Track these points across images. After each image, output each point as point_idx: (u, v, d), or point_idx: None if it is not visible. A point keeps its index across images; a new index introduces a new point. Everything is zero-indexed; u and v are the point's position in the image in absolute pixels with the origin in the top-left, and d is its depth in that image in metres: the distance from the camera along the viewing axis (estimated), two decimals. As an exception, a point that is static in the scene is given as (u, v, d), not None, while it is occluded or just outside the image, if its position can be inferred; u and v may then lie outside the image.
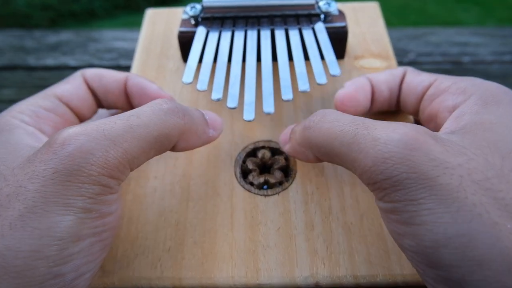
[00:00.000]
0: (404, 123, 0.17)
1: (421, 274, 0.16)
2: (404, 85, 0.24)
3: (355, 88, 0.24)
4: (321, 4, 0.28)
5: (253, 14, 0.28)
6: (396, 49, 0.44)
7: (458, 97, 0.20)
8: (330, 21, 0.28)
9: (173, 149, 0.20)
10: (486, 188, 0.14)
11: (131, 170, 0.18)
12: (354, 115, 0.19)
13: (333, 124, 0.18)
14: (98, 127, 0.17)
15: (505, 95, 0.19)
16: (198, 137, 0.21)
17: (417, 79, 0.23)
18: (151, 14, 0.35)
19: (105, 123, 0.18)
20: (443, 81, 0.22)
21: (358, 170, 0.17)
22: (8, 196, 0.16)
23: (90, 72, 0.25)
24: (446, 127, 0.19)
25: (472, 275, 0.14)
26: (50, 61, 0.44)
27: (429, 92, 0.22)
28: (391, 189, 0.15)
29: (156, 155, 0.19)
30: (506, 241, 0.13)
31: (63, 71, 0.43)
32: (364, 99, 0.24)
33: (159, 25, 0.33)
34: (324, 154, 0.19)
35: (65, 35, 0.48)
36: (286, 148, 0.23)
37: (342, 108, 0.24)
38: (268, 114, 0.23)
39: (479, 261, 0.13)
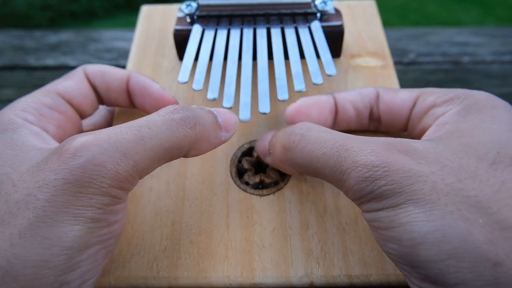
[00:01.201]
0: (379, 140, 0.18)
1: (406, 277, 0.17)
2: (383, 107, 0.23)
3: (306, 104, 0.24)
4: (317, 2, 0.28)
5: (249, 12, 0.28)
6: (396, 49, 0.44)
7: (446, 107, 0.21)
8: (326, 20, 0.28)
9: (184, 156, 0.20)
10: (459, 189, 0.16)
11: (140, 178, 0.18)
12: None
13: (314, 146, 0.19)
14: (110, 138, 0.17)
15: (489, 101, 0.20)
16: (209, 144, 0.20)
17: (397, 99, 0.23)
18: (147, 11, 0.34)
19: (116, 133, 0.17)
20: (427, 97, 0.22)
21: (343, 189, 0.18)
22: (17, 203, 0.16)
23: (91, 68, 0.25)
24: (427, 134, 0.20)
25: (449, 268, 0.14)
26: (50, 61, 0.44)
27: (415, 111, 0.22)
28: (374, 200, 0.17)
29: (166, 163, 0.19)
30: (478, 234, 0.14)
31: (63, 71, 0.43)
32: (318, 115, 0.23)
33: (155, 23, 0.33)
34: (308, 172, 0.20)
35: (65, 35, 0.48)
36: (267, 160, 0.23)
37: (292, 124, 0.23)
38: (264, 114, 0.23)
39: (453, 254, 0.14)
